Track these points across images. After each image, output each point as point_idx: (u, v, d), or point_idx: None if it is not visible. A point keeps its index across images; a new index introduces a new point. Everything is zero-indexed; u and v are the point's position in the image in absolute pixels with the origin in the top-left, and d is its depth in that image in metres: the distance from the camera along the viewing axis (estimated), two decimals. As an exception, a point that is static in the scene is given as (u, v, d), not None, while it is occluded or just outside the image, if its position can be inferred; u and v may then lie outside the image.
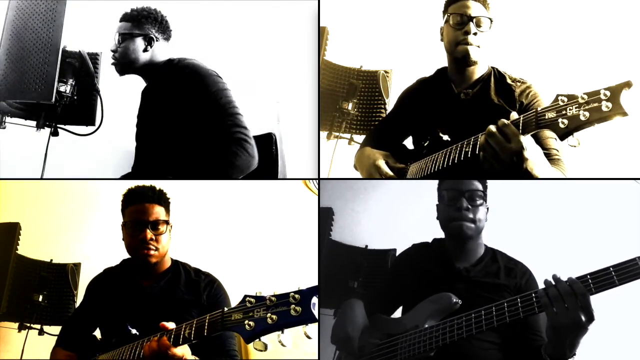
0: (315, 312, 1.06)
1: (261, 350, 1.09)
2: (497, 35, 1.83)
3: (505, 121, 1.41)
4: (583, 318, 1.22)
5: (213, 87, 1.85)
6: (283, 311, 1.07)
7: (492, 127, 1.43)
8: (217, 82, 1.87)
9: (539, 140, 1.64)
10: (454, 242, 1.65)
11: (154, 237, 1.60)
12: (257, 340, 1.09)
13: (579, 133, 1.28)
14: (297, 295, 1.07)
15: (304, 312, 1.05)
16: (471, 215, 1.59)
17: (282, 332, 1.08)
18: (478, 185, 1.62)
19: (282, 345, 1.08)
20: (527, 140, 1.40)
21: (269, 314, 1.08)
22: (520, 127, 1.38)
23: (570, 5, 2.76)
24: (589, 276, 1.24)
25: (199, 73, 1.88)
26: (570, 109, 1.28)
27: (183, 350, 1.27)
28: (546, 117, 1.32)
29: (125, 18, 1.98)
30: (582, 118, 1.25)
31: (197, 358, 1.38)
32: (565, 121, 1.27)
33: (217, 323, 1.17)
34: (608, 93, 1.23)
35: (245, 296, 1.14)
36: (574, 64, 2.69)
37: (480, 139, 1.47)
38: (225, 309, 1.17)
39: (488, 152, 1.44)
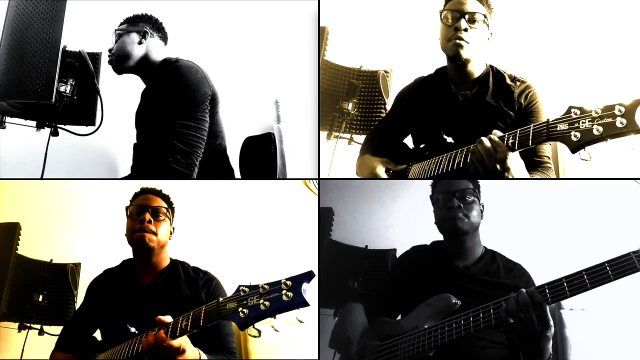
0: (307, 297, 1.08)
1: (255, 337, 1.12)
2: (502, 35, 1.81)
3: (495, 137, 1.44)
4: (537, 328, 1.25)
5: (192, 109, 1.85)
6: (275, 297, 1.10)
7: (484, 138, 1.46)
8: (198, 105, 1.86)
9: (535, 147, 1.64)
10: (452, 241, 1.66)
11: (152, 221, 1.66)
12: (251, 327, 1.12)
13: (590, 147, 1.25)
14: (288, 282, 1.11)
15: (295, 297, 1.08)
16: (464, 212, 1.61)
17: (275, 318, 1.11)
18: (468, 184, 1.64)
19: (275, 330, 1.11)
20: (513, 155, 1.43)
21: (261, 301, 1.11)
22: (531, 137, 1.37)
23: (581, 11, 2.76)
24: (584, 272, 1.24)
25: (187, 81, 1.87)
26: (583, 122, 1.26)
27: (180, 341, 1.28)
28: (558, 129, 1.30)
29: (122, 22, 2.06)
30: (595, 132, 1.23)
31: (198, 350, 1.38)
32: (578, 134, 1.25)
33: (213, 312, 1.19)
34: (623, 109, 1.21)
35: (240, 286, 1.17)
36: (582, 67, 2.69)
37: (472, 147, 1.50)
38: (221, 299, 1.19)
39: (476, 156, 1.47)
